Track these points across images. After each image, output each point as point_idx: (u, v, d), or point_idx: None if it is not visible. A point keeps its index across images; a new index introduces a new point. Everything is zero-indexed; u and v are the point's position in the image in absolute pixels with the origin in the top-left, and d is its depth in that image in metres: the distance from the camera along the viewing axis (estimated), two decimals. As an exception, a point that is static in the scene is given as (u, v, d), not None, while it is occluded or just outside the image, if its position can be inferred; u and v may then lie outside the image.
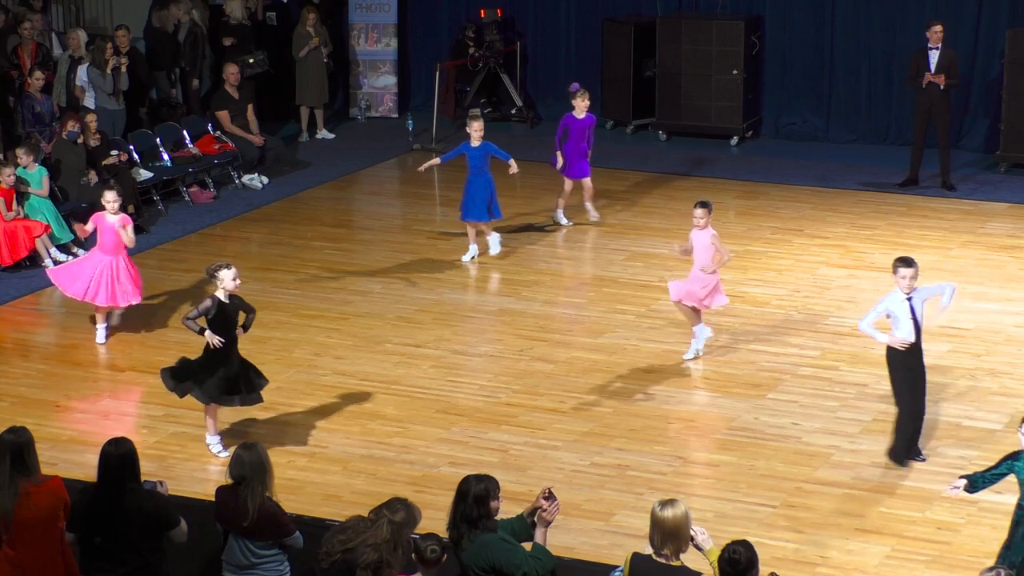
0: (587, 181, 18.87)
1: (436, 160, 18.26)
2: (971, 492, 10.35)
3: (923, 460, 12.64)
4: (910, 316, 12.29)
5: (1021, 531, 10.07)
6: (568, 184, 18.91)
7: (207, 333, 12.45)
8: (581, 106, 18.70)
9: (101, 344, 15.36)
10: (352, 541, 8.70)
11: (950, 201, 20.21)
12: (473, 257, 17.79)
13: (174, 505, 9.54)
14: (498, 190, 17.90)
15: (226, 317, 12.53)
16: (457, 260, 17.86)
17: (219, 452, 12.75)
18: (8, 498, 9.15)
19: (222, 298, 12.53)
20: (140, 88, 21.53)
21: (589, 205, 19.05)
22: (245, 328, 12.78)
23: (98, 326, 15.43)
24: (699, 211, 14.47)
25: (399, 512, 8.74)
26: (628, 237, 18.70)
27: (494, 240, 17.86)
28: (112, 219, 15.11)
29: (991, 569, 8.19)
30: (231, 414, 13.32)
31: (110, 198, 15.08)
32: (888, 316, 12.40)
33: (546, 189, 20.08)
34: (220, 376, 12.57)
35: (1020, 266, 17.57)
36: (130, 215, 15.40)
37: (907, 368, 12.48)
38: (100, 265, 15.18)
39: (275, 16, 24.49)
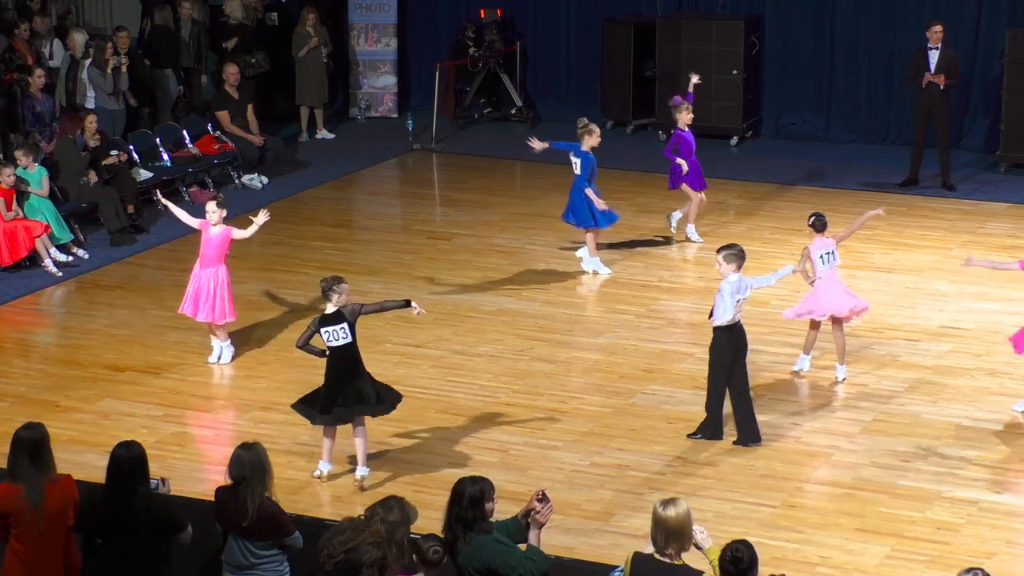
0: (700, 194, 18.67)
1: (544, 144, 17.62)
2: None
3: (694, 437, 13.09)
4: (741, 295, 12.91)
5: None
6: (696, 197, 18.55)
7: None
8: (685, 119, 18.27)
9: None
10: (352, 541, 8.70)
11: (950, 201, 20.22)
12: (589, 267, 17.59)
13: (181, 507, 9.54)
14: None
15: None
16: (458, 260, 17.86)
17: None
18: (35, 493, 9.19)
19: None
20: (142, 87, 21.57)
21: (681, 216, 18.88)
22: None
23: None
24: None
25: (393, 511, 8.74)
26: (628, 237, 18.69)
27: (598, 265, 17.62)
28: (215, 230, 14.69)
29: (969, 570, 8.19)
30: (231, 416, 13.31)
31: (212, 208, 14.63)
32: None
33: (547, 189, 20.09)
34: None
35: (1020, 266, 17.55)
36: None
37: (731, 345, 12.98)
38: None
39: (276, 16, 24.49)
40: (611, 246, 18.30)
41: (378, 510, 8.79)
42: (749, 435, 12.99)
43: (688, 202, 18.54)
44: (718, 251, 12.99)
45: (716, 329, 12.92)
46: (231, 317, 14.80)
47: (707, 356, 14.90)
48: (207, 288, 14.62)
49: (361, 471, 12.30)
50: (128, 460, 9.23)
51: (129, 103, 20.85)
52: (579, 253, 17.61)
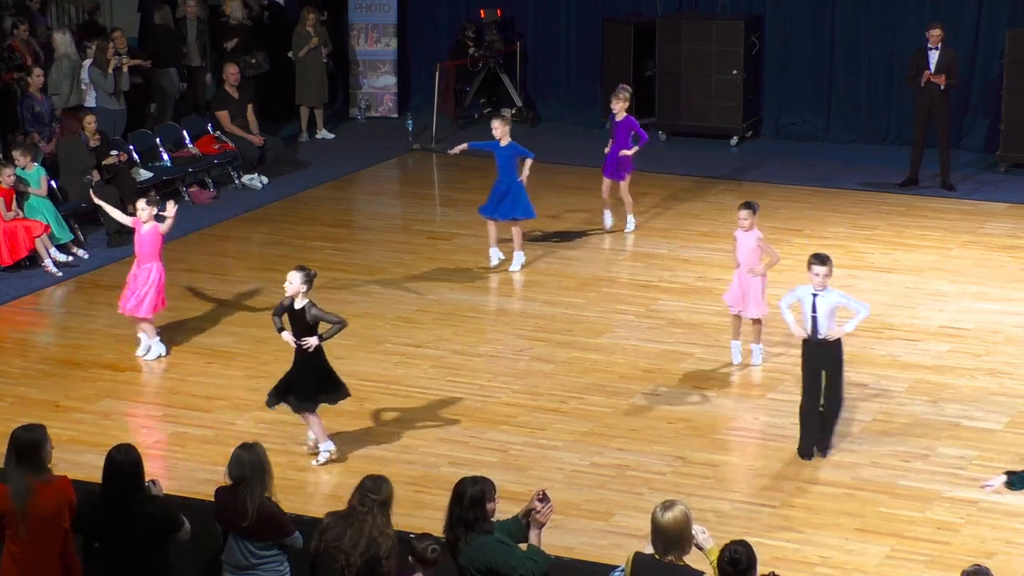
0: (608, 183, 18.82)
1: (464, 146, 17.90)
2: (1011, 490, 10.31)
3: (823, 456, 12.75)
4: (810, 312, 12.53)
5: None
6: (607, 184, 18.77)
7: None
8: (619, 107, 18.46)
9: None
10: (359, 540, 8.77)
11: (950, 201, 20.22)
12: (501, 260, 17.66)
13: (179, 507, 9.54)
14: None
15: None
16: (458, 260, 17.86)
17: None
18: (19, 493, 9.17)
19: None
20: (145, 87, 21.61)
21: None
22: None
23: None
24: (743, 212, 14.40)
25: (382, 491, 8.93)
26: (628, 237, 18.69)
27: (518, 258, 17.63)
28: (146, 228, 14.93)
29: (973, 568, 8.21)
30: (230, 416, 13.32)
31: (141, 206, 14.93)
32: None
33: (549, 188, 20.09)
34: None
35: (1020, 266, 17.57)
36: (129, 215, 15.34)
37: (808, 360, 12.73)
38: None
39: (268, 15, 24.43)
40: (609, 246, 18.29)
41: (368, 496, 8.87)
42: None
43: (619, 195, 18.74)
44: (821, 263, 12.64)
45: (838, 340, 12.73)
46: (155, 310, 15.01)
47: (707, 356, 14.95)
48: (139, 284, 14.86)
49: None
50: (125, 464, 9.22)
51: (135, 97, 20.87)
52: (517, 258, 17.59)
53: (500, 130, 17.36)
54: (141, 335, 15.14)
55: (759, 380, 14.41)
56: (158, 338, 15.15)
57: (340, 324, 12.61)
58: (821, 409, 12.76)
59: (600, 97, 24.31)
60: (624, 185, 18.63)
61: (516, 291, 16.96)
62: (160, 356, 15.07)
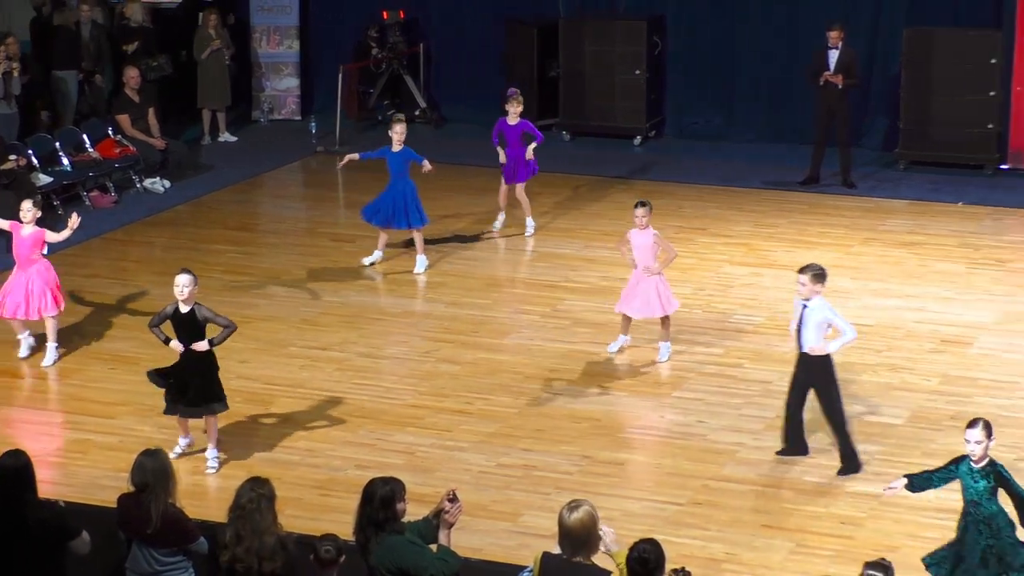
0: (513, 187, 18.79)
1: (355, 156, 17.87)
2: (911, 492, 10.41)
3: (840, 474, 12.67)
4: (797, 320, 12.48)
5: (971, 536, 10.09)
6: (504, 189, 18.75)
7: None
8: (514, 111, 18.49)
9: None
10: (252, 541, 8.79)
11: (851, 199, 20.40)
12: (373, 263, 17.66)
13: (82, 515, 9.44)
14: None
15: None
16: (362, 262, 17.81)
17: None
18: None
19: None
20: (36, 89, 21.35)
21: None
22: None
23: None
24: (640, 210, 14.53)
25: (266, 487, 9.05)
26: (533, 237, 18.71)
27: (421, 261, 17.62)
28: (28, 230, 14.79)
29: (877, 563, 8.30)
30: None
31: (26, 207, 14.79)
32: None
33: (455, 190, 20.09)
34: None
35: (919, 262, 17.76)
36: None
37: (796, 369, 12.70)
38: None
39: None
40: (515, 247, 18.31)
41: (256, 490, 8.99)
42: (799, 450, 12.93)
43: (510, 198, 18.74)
44: (804, 272, 12.49)
45: (827, 357, 12.53)
46: (54, 311, 14.86)
47: (612, 355, 14.99)
48: (26, 287, 14.71)
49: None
50: (14, 469, 9.15)
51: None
52: (420, 261, 17.60)
53: (403, 134, 17.33)
54: (23, 336, 15.00)
55: (665, 378, 14.47)
56: (33, 339, 15.04)
57: (230, 328, 12.49)
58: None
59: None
60: (521, 188, 18.63)
61: (421, 293, 16.94)
62: (54, 360, 14.92)
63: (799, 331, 12.42)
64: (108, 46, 22.88)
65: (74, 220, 14.79)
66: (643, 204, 14.62)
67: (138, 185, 20.99)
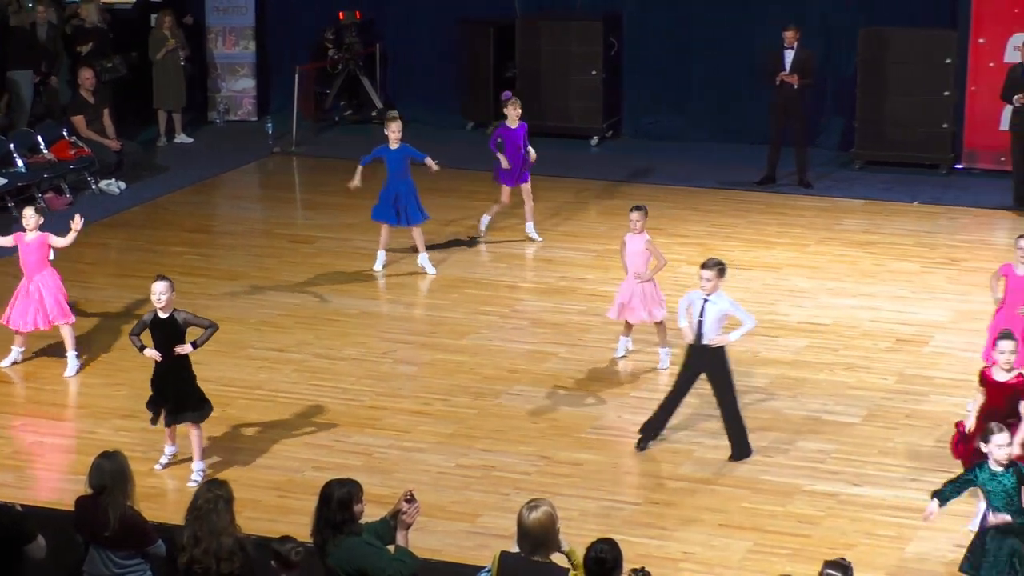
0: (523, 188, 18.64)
1: (359, 169, 17.55)
2: (942, 506, 10.41)
3: (642, 449, 12.90)
4: (698, 316, 12.58)
5: (995, 544, 10.13)
6: (505, 193, 18.52)
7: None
8: (513, 115, 18.35)
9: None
10: (209, 542, 8.78)
11: (807, 198, 20.48)
12: (384, 265, 17.59)
13: (29, 518, 9.38)
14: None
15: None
16: (320, 263, 17.79)
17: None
18: None
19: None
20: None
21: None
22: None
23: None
24: (635, 215, 14.49)
25: (224, 488, 9.05)
26: (491, 238, 18.71)
27: (425, 262, 17.55)
28: (32, 237, 14.62)
29: (836, 563, 8.35)
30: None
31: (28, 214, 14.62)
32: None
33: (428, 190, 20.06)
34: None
35: (875, 261, 17.85)
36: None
37: (686, 362, 12.82)
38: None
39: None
40: (474, 247, 18.32)
41: (214, 490, 8.99)
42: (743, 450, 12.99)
43: (525, 201, 18.58)
44: (708, 267, 12.62)
45: (722, 347, 12.72)
46: (69, 318, 14.73)
47: (571, 355, 15.02)
48: (36, 296, 14.57)
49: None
50: None
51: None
52: (421, 261, 17.56)
53: (398, 132, 17.23)
54: (16, 348, 14.84)
55: (622, 378, 14.50)
56: (21, 355, 14.98)
57: (212, 328, 12.43)
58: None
59: (461, 98, 24.36)
60: (527, 187, 18.48)
61: (379, 294, 16.92)
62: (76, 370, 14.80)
63: (700, 324, 12.54)
64: (63, 47, 22.80)
65: (77, 222, 14.48)
66: (638, 208, 14.58)
67: (93, 187, 20.90)
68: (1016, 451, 10.29)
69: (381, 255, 17.54)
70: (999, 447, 10.01)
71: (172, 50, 23.23)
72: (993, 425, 10.17)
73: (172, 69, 23.33)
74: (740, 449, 12.80)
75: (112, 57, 22.94)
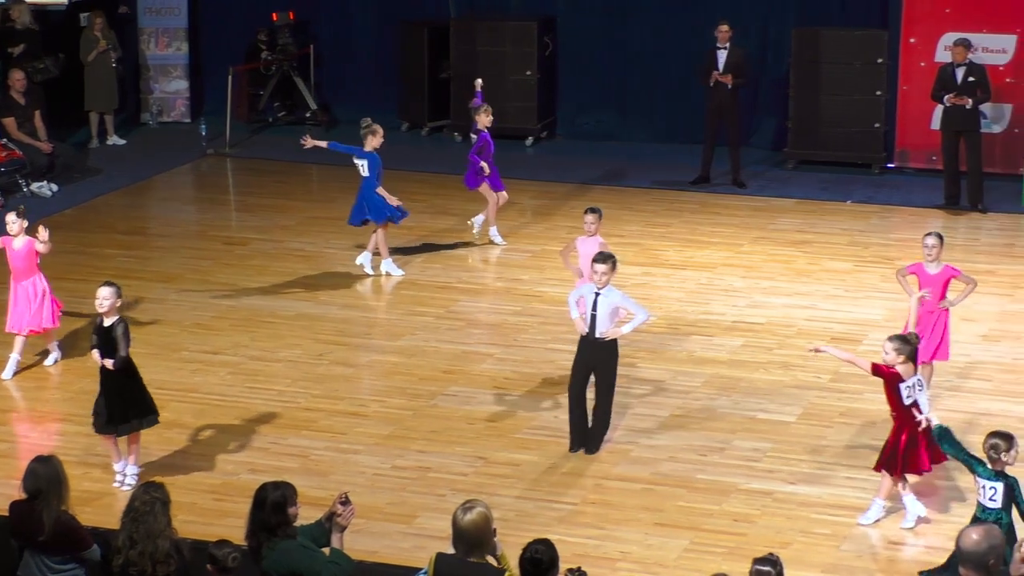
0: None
1: (321, 143, 17.59)
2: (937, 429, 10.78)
3: (590, 453, 12.89)
4: (591, 310, 12.63)
5: None
6: (495, 198, 18.52)
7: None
8: (486, 120, 18.29)
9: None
10: (146, 544, 8.75)
11: (741, 198, 20.58)
12: (369, 267, 17.50)
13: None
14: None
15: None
16: (255, 265, 17.74)
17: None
18: None
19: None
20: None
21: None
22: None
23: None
24: (590, 217, 14.38)
25: (161, 491, 9.00)
26: (425, 239, 18.71)
27: (366, 260, 17.56)
28: (20, 242, 14.60)
29: (765, 559, 8.40)
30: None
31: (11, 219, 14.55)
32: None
33: (343, 192, 20.02)
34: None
35: (809, 260, 17.95)
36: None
37: (580, 356, 12.86)
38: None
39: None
40: (409, 248, 18.31)
41: (151, 493, 8.94)
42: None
43: (486, 204, 18.59)
44: (603, 260, 12.61)
45: (614, 341, 12.79)
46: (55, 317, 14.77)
47: (506, 356, 15.03)
48: (28, 300, 14.52)
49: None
50: None
51: None
52: (359, 260, 17.52)
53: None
54: (15, 355, 14.71)
55: (558, 379, 14.50)
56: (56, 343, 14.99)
57: (121, 358, 12.11)
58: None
59: (396, 99, 24.33)
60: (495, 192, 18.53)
61: (314, 295, 16.87)
62: (57, 360, 14.88)
63: (593, 318, 12.58)
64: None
65: (43, 233, 14.42)
66: (593, 210, 14.51)
67: (25, 189, 20.74)
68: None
69: (367, 255, 17.52)
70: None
71: (103, 51, 23.09)
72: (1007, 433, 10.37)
73: (104, 70, 23.20)
74: (598, 444, 12.92)
75: (43, 58, 22.77)
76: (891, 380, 11.36)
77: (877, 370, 11.41)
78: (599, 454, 12.89)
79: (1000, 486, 10.22)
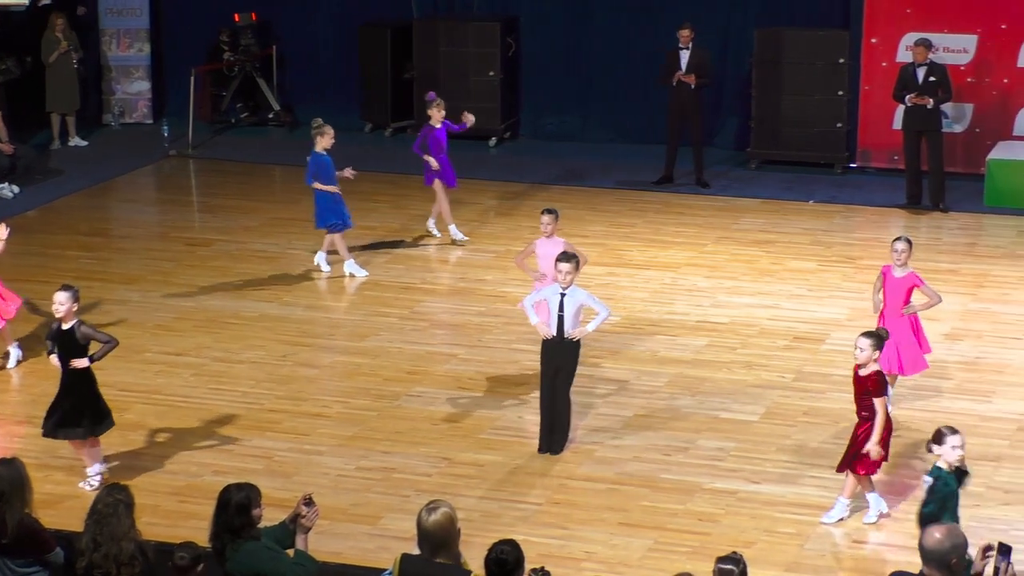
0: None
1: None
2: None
3: (555, 453, 12.88)
4: (557, 311, 12.61)
5: None
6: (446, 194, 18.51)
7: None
8: (437, 116, 18.32)
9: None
10: (110, 546, 8.71)
11: (704, 198, 20.62)
12: (350, 272, 17.51)
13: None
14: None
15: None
16: (217, 266, 17.70)
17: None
18: None
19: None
20: None
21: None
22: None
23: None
24: (546, 218, 14.31)
25: (125, 493, 8.95)
26: (389, 240, 18.69)
27: (322, 260, 17.59)
28: None
29: (728, 557, 8.41)
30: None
31: None
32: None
33: (306, 193, 19.99)
34: None
35: (772, 260, 17.99)
36: None
37: (547, 359, 12.84)
38: None
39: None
40: (373, 247, 18.29)
41: (114, 495, 8.92)
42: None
43: (436, 201, 18.57)
44: (567, 260, 12.64)
45: (579, 341, 12.83)
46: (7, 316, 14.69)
47: (470, 356, 15.02)
48: None
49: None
50: None
51: None
52: (316, 260, 17.53)
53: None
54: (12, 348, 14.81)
55: (522, 379, 14.51)
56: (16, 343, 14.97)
57: (111, 343, 12.21)
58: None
59: (359, 100, 24.30)
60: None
61: (277, 296, 16.83)
62: (19, 360, 14.86)
63: (560, 319, 12.58)
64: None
65: (2, 231, 14.39)
66: (549, 211, 14.43)
67: (-14, 191, 20.68)
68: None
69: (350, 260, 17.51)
70: (954, 448, 10.10)
71: (65, 52, 23.00)
72: (944, 428, 10.24)
73: (65, 71, 23.10)
74: (563, 443, 12.90)
75: (5, 59, 22.67)
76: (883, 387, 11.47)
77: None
78: (563, 454, 12.90)
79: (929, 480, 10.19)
